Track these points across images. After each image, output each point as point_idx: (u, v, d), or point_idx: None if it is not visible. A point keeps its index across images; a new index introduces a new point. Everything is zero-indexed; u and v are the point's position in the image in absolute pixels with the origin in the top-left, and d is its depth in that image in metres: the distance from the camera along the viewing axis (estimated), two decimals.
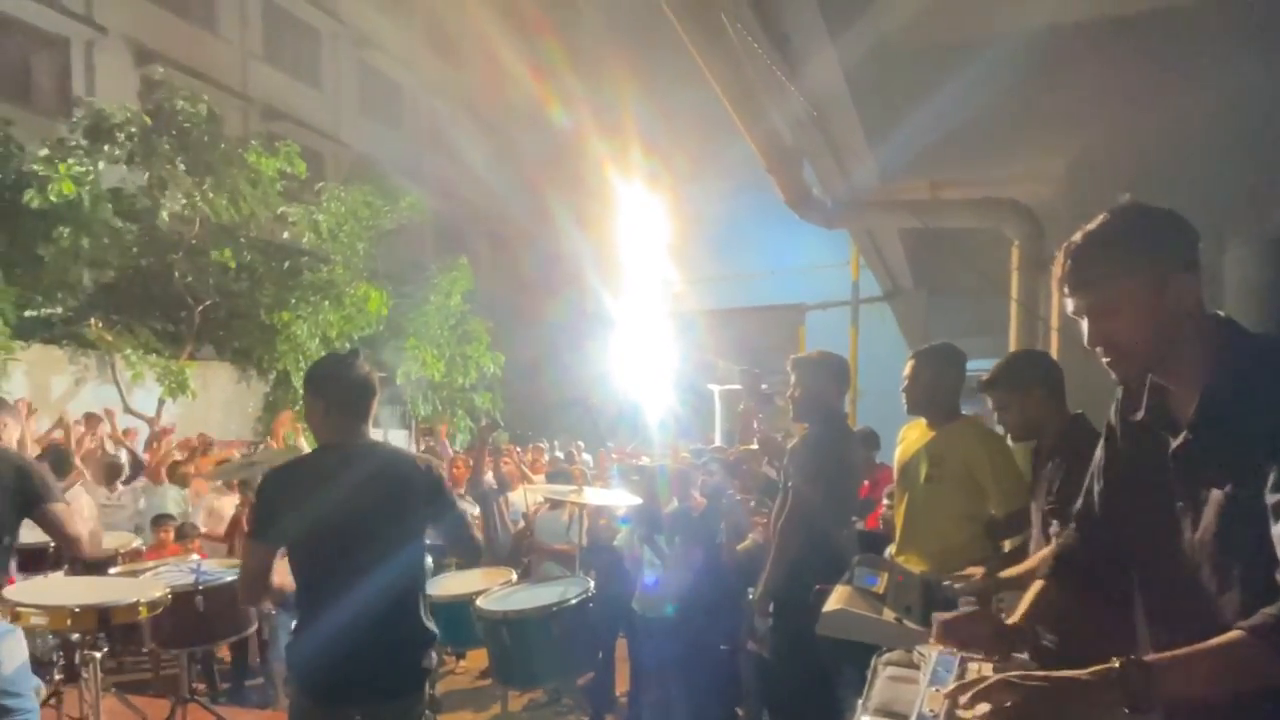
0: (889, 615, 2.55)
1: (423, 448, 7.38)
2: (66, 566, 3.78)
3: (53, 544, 4.14)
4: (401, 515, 2.43)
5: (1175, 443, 1.50)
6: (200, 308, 12.54)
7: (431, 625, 2.55)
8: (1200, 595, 1.47)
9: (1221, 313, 1.54)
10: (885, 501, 4.17)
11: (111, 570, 4.02)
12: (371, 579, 2.34)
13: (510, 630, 3.04)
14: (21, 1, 13.92)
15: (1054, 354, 3.69)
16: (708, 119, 7.15)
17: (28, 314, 10.52)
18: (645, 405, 12.84)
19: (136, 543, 4.28)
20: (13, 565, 3.94)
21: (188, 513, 6.62)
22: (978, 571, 3.01)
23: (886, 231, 5.27)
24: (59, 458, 5.33)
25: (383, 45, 22.25)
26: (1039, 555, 2.49)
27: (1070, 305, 1.54)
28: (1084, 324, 1.52)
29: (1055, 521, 2.53)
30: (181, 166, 11.79)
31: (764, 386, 5.12)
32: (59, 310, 10.85)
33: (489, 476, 6.41)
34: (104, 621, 2.69)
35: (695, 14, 2.66)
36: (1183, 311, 1.46)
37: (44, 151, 10.94)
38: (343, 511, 2.34)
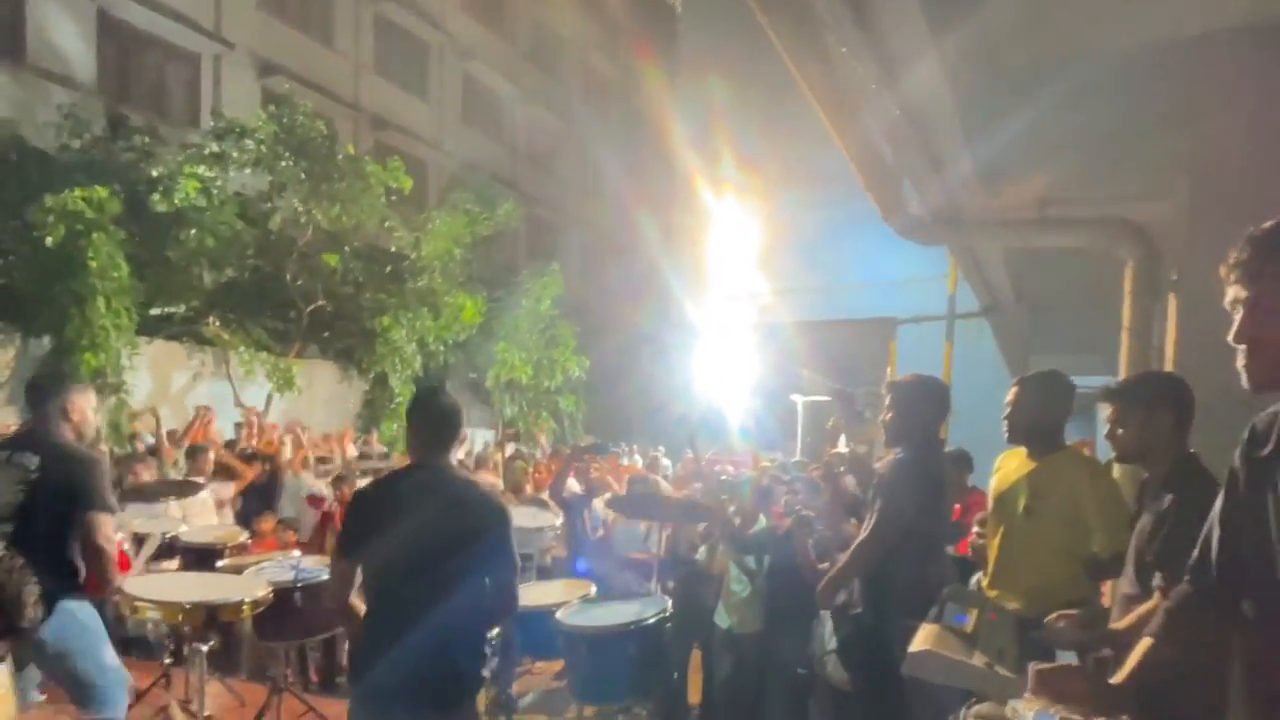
0: (979, 659, 2.43)
1: (510, 451, 7.57)
2: (178, 559, 4.06)
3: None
4: (467, 542, 2.57)
5: None
6: (309, 309, 13.19)
7: (487, 648, 2.76)
8: None
9: None
10: (976, 529, 3.98)
11: (219, 564, 4.28)
12: (432, 598, 2.49)
13: (589, 646, 3.07)
14: (156, 18, 14.98)
15: None
16: (802, 128, 7.05)
17: (152, 312, 11.30)
18: (727, 413, 12.74)
19: (243, 537, 4.52)
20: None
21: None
22: (1071, 614, 2.85)
23: (988, 247, 5.06)
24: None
25: (485, 57, 22.92)
26: (1147, 606, 2.32)
27: (1231, 293, 1.50)
28: (1238, 316, 1.49)
29: (1159, 574, 2.34)
30: (301, 176, 12.46)
31: (857, 406, 5.00)
32: (181, 309, 11.61)
33: (572, 482, 6.50)
34: (211, 618, 2.86)
35: (796, 30, 2.61)
36: None
37: (180, 157, 11.79)
38: (415, 535, 2.52)
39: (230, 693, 4.28)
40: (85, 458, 3.12)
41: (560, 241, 25.29)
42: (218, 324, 11.84)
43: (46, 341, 10.19)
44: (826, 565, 4.13)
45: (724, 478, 6.94)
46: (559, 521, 4.81)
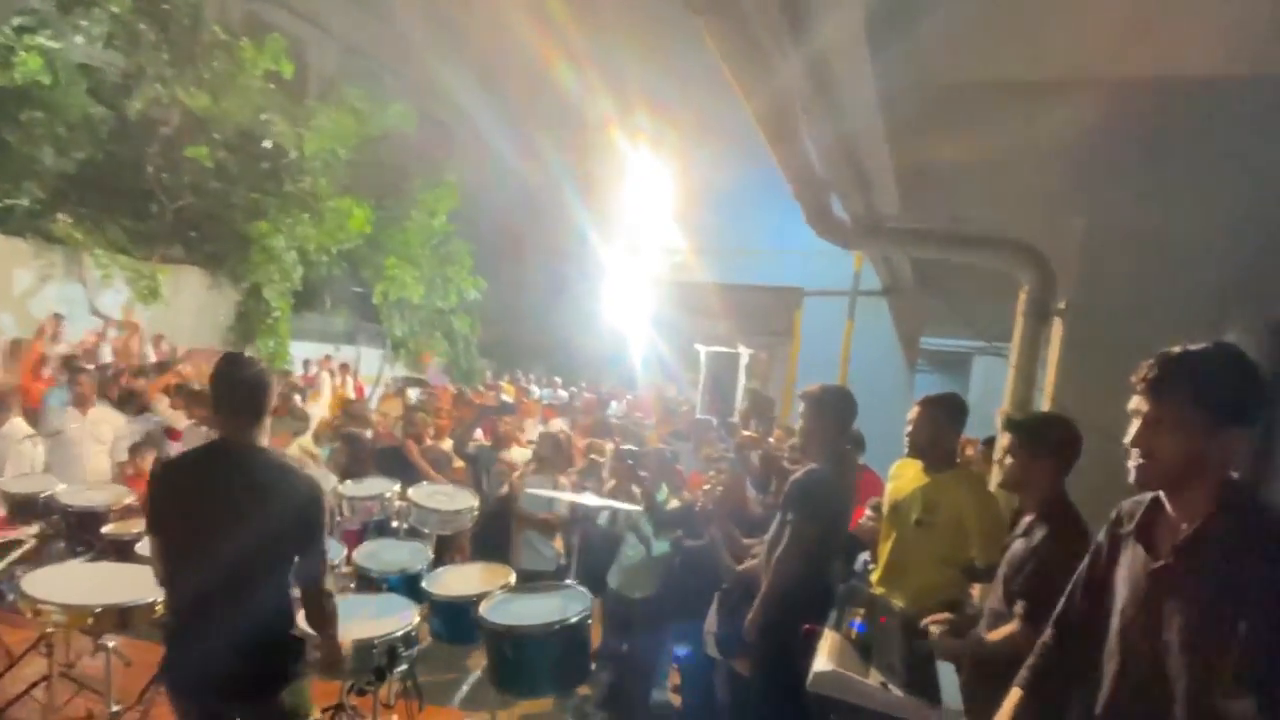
0: (875, 678, 2.72)
1: (414, 399, 7.36)
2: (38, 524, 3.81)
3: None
4: (268, 531, 2.43)
5: (1157, 564, 1.68)
6: (174, 207, 12.06)
7: (298, 634, 2.62)
8: (1152, 700, 1.64)
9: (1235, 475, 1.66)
10: (868, 511, 4.30)
11: (104, 529, 4.03)
12: (226, 587, 2.39)
13: (513, 643, 3.17)
14: None
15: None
16: (718, 81, 6.95)
17: None
18: (630, 349, 12.87)
19: (130, 499, 4.27)
20: None
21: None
22: (952, 618, 3.22)
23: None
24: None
25: None
26: (1009, 628, 2.66)
27: (1135, 402, 1.69)
28: (1134, 423, 1.67)
29: (1021, 602, 2.67)
30: (164, 55, 11.13)
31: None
32: (24, 201, 10.35)
33: (479, 434, 6.46)
34: (124, 622, 2.74)
35: (738, 47, 2.58)
36: (1218, 459, 1.61)
37: (16, 21, 10.24)
38: (210, 518, 2.40)
39: (118, 655, 4.12)
40: None
41: (456, 148, 24.01)
42: (69, 220, 10.64)
43: None
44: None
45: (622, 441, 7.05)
46: (476, 502, 4.80)
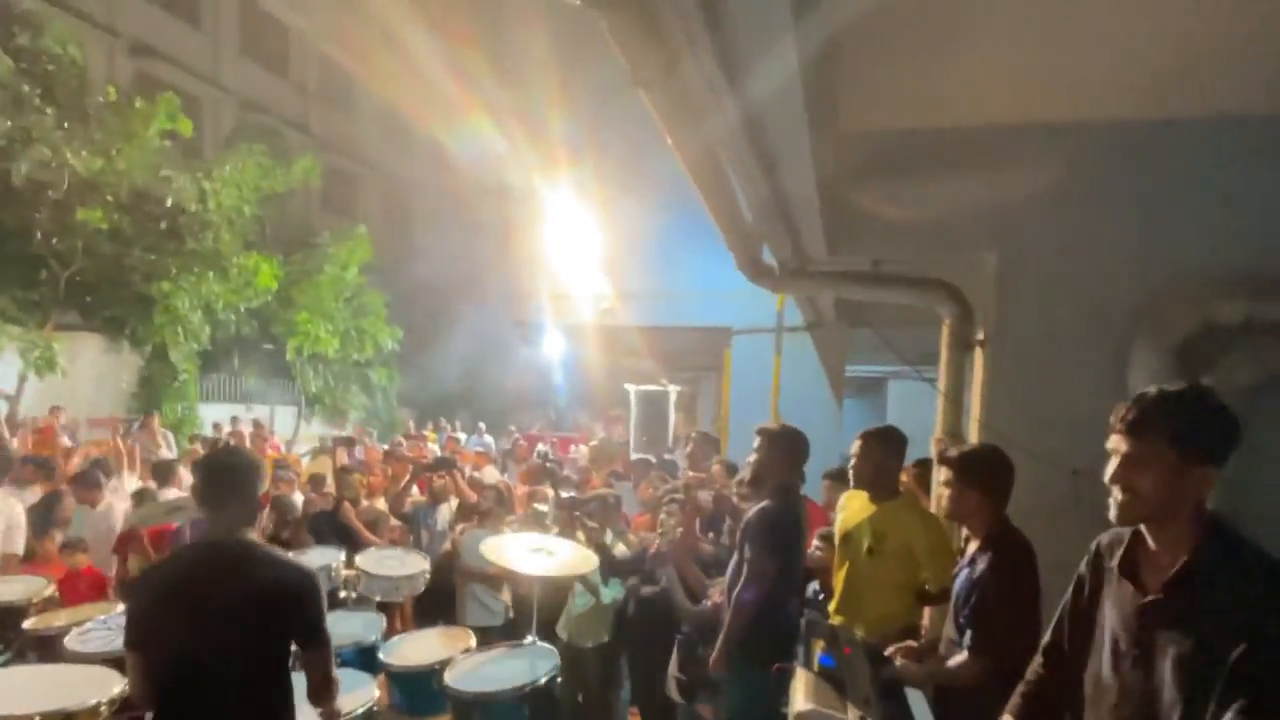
0: (853, 713, 2.80)
1: (339, 456, 7.14)
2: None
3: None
4: (275, 634, 2.35)
5: (1146, 598, 1.77)
6: (66, 273, 11.42)
7: None
8: None
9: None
10: (816, 543, 4.41)
11: (25, 624, 3.76)
12: (235, 696, 2.27)
13: (483, 711, 3.12)
14: None
15: (974, 438, 4.06)
16: (639, 133, 7.14)
17: None
18: (553, 392, 12.82)
19: (50, 590, 3.99)
20: None
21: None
22: (913, 646, 3.36)
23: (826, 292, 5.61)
24: None
25: None
26: (961, 660, 2.79)
27: (1114, 442, 1.78)
28: (1113, 461, 1.78)
29: (970, 634, 2.80)
30: (49, 115, 10.62)
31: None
32: None
33: (415, 492, 6.33)
34: None
35: (677, 108, 2.70)
36: (1194, 495, 1.72)
37: None
38: (212, 628, 2.23)
39: None
40: None
41: (360, 194, 23.68)
42: None
43: None
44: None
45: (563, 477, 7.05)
46: (427, 564, 4.69)
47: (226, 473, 2.36)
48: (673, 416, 11.41)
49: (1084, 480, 3.67)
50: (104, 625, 3.70)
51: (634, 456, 7.77)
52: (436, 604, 5.49)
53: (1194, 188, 3.75)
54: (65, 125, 10.80)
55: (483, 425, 14.25)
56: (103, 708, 2.70)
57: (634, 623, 4.79)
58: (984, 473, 2.97)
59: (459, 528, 5.95)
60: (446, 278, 18.58)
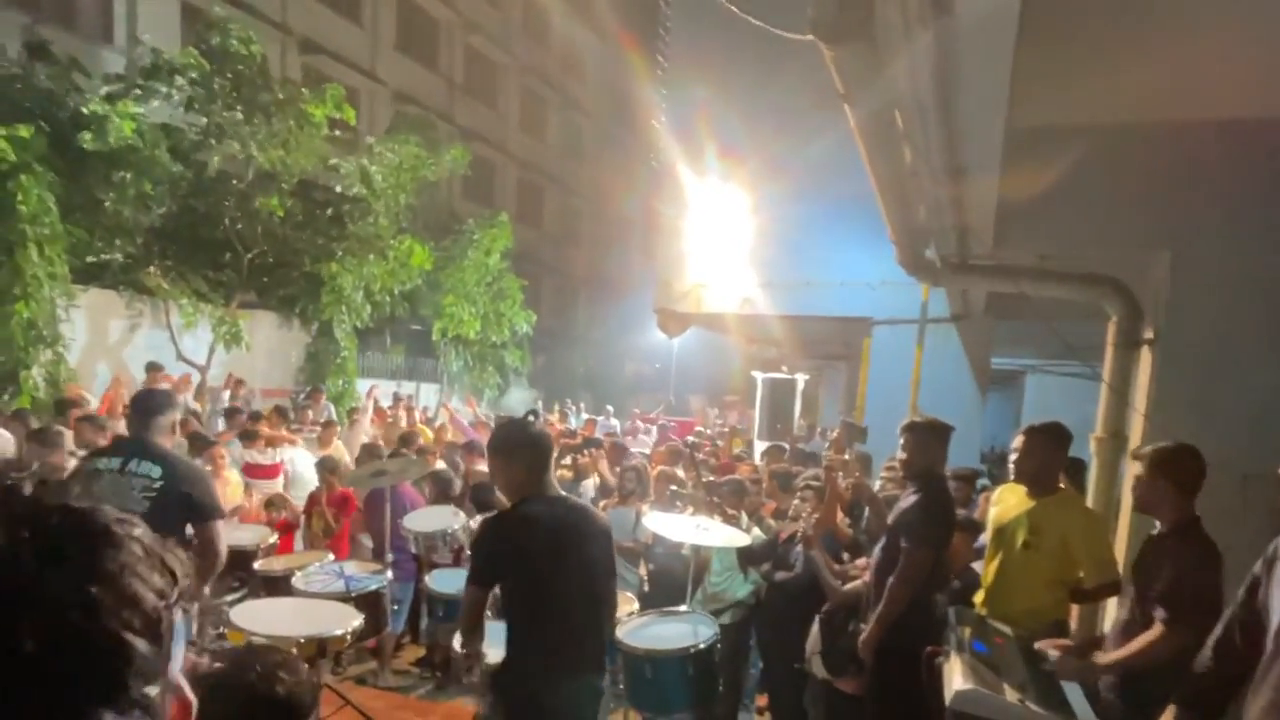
0: (1012, 695, 2.90)
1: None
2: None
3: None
4: (607, 554, 2.85)
5: None
6: (249, 256, 12.65)
7: None
8: None
9: None
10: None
11: (255, 566, 4.38)
12: (597, 611, 2.79)
13: (652, 666, 3.42)
14: None
15: (1137, 441, 3.98)
16: (784, 122, 7.24)
17: (88, 259, 10.69)
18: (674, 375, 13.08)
19: (273, 538, 4.61)
20: None
21: None
22: (1066, 643, 3.40)
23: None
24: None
25: None
26: (1150, 636, 2.83)
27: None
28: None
29: (1161, 608, 2.85)
30: (238, 113, 11.77)
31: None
32: (117, 256, 11.00)
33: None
34: (321, 649, 3.05)
35: (881, 127, 2.85)
36: None
37: (104, 90, 10.97)
38: (565, 556, 2.69)
39: None
40: (201, 471, 3.47)
41: (497, 182, 24.77)
42: (157, 273, 11.26)
43: None
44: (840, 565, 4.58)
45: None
46: None
47: (539, 440, 2.82)
48: (798, 405, 11.46)
49: (1254, 485, 3.57)
50: (322, 570, 4.25)
51: (760, 443, 7.91)
52: None
53: None
54: (252, 120, 11.92)
55: (610, 408, 14.74)
56: (347, 637, 3.17)
57: (767, 607, 4.97)
58: (1177, 464, 3.00)
59: (601, 504, 6.30)
60: (573, 264, 19.28)
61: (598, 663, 2.83)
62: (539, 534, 2.68)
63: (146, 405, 3.45)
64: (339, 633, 3.14)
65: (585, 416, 13.11)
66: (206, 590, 4.18)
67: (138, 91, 10.99)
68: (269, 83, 12.61)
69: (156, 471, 3.19)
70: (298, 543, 5.99)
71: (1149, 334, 4.08)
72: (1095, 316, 4.75)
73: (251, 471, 6.88)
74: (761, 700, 5.61)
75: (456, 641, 3.43)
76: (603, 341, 21.29)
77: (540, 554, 2.66)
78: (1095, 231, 4.12)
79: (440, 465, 6.86)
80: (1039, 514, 3.66)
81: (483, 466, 6.82)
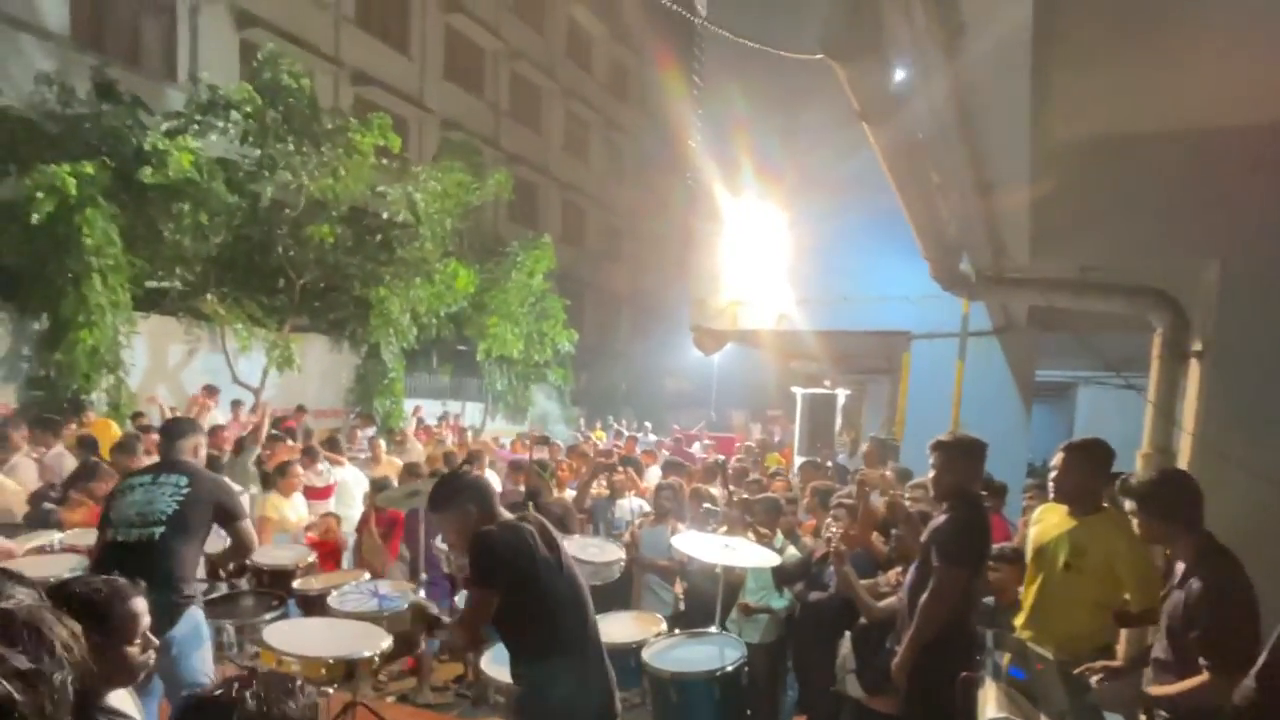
0: None
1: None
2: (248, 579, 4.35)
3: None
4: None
5: None
6: (301, 281, 13.05)
7: None
8: None
9: None
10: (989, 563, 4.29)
11: (294, 585, 4.47)
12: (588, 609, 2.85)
13: (678, 689, 3.38)
14: None
15: (1186, 456, 3.81)
16: (819, 138, 7.19)
17: (148, 285, 11.15)
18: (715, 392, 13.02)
19: (311, 557, 4.71)
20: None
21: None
22: (1112, 665, 3.26)
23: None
24: None
25: (468, 8, 22.34)
26: (1197, 681, 2.70)
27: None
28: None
29: (1205, 656, 2.71)
30: (290, 145, 12.20)
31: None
32: (176, 284, 11.47)
33: (597, 487, 6.74)
34: (350, 672, 3.11)
35: (901, 143, 2.82)
36: None
37: (164, 126, 11.48)
38: (570, 568, 2.79)
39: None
40: (222, 482, 3.89)
41: (541, 205, 25.14)
42: (214, 299, 11.70)
43: (43, 319, 10.04)
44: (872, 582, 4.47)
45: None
46: (624, 554, 5.05)
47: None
48: (839, 420, 11.29)
49: None
50: (356, 590, 4.31)
51: (799, 459, 7.80)
52: (612, 592, 5.86)
53: None
54: (302, 151, 12.34)
55: (648, 425, 14.73)
56: (376, 659, 3.21)
57: (801, 627, 4.88)
58: (1164, 501, 2.92)
59: (637, 521, 6.29)
60: (614, 283, 19.38)
61: (602, 659, 2.86)
62: (531, 542, 2.72)
63: (170, 431, 3.95)
64: (367, 654, 3.18)
65: (631, 434, 13.13)
66: (245, 607, 4.31)
67: (196, 127, 11.44)
68: (318, 114, 13.05)
69: (184, 480, 3.64)
70: (346, 562, 6.13)
71: (1197, 346, 3.91)
72: (1140, 329, 4.58)
73: (307, 493, 7.07)
74: None
75: (484, 661, 3.45)
76: (643, 358, 21.35)
77: (539, 560, 2.70)
78: (1139, 242, 3.98)
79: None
80: (1081, 534, 3.52)
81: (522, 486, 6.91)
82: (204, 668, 3.50)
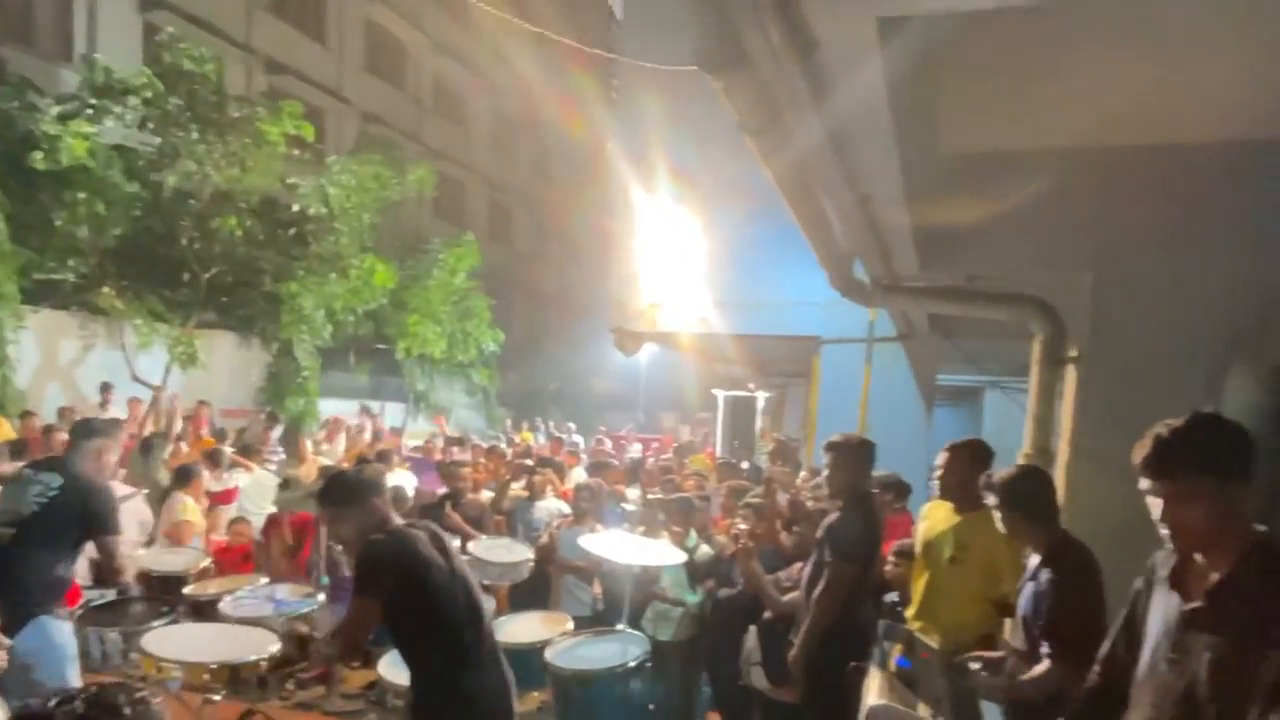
0: (924, 710, 2.95)
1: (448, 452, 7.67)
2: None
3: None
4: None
5: (1189, 605, 1.87)
6: (205, 276, 12.51)
7: None
8: None
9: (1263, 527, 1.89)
10: (891, 557, 4.50)
11: (185, 590, 4.31)
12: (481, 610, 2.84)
13: (580, 687, 3.42)
14: None
15: (1062, 462, 4.07)
16: (735, 146, 7.34)
17: (37, 277, 10.52)
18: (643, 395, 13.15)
19: (205, 563, 4.55)
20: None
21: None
22: (991, 655, 3.45)
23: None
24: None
25: (390, 1, 21.83)
26: (1044, 668, 2.88)
27: (1146, 485, 1.87)
28: (1155, 503, 1.86)
29: (1046, 642, 2.88)
30: (193, 132, 11.69)
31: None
32: (70, 276, 10.84)
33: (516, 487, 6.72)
34: (234, 676, 3.03)
35: (780, 152, 2.92)
36: (1234, 511, 1.81)
37: (56, 110, 10.84)
38: (451, 565, 2.78)
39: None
40: (103, 491, 3.60)
41: (468, 202, 24.78)
42: (111, 292, 11.10)
43: None
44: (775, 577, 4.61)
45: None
46: (532, 555, 5.05)
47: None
48: (759, 421, 11.55)
49: None
50: (252, 595, 4.20)
51: (719, 460, 7.96)
52: (531, 593, 5.86)
53: None
54: (206, 139, 11.83)
55: (572, 426, 14.73)
56: (263, 663, 3.13)
57: (712, 624, 4.99)
58: (1022, 495, 3.08)
59: (555, 523, 6.28)
60: (543, 283, 19.33)
61: (498, 662, 2.87)
62: (420, 548, 2.71)
63: (76, 429, 3.79)
64: (253, 658, 3.10)
65: (556, 435, 13.09)
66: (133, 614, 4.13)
67: (90, 111, 10.84)
68: (225, 101, 12.53)
69: (56, 481, 3.44)
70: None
71: (1073, 352, 4.18)
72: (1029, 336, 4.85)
73: (210, 497, 6.80)
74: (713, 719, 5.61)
75: (383, 665, 3.42)
76: (573, 359, 21.33)
77: (431, 566, 2.70)
78: (1021, 253, 4.24)
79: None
80: (964, 529, 3.72)
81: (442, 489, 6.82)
82: (54, 681, 3.27)
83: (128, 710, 1.36)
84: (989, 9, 2.20)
